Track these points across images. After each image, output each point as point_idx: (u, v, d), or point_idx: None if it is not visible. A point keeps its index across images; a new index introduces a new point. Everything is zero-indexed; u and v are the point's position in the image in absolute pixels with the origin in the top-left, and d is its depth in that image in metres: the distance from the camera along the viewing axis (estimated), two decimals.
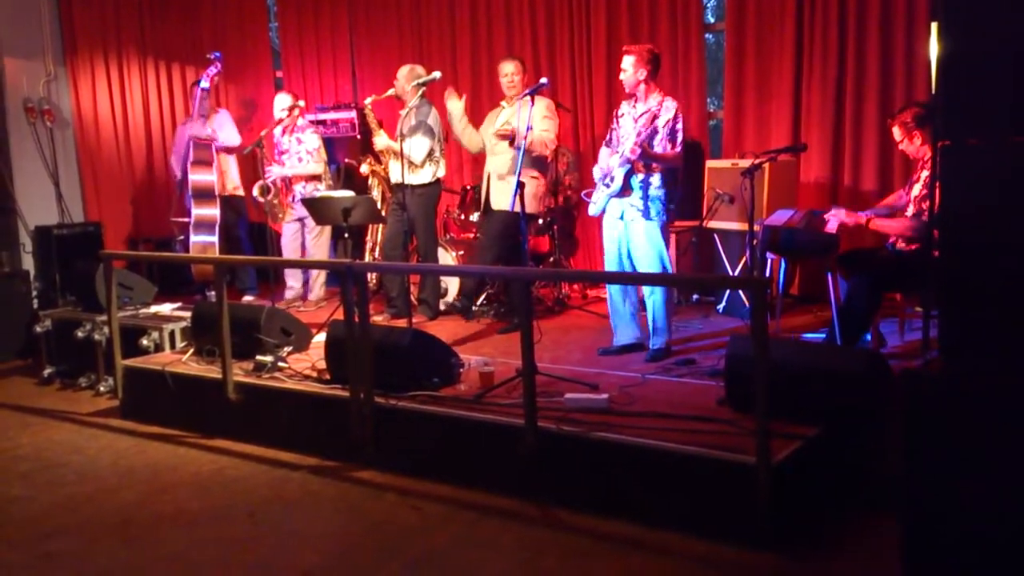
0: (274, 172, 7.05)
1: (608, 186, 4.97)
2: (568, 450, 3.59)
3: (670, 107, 4.86)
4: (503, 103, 6.13)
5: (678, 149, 4.87)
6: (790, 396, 3.39)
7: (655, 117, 4.83)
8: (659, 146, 4.85)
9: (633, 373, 4.48)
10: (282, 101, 7.16)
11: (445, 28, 8.06)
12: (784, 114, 6.44)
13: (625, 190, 4.92)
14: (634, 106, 5.01)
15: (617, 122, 5.11)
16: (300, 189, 7.04)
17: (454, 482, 3.85)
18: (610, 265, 5.18)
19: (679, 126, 4.87)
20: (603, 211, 5.08)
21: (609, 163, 5.04)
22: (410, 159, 6.15)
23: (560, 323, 6.20)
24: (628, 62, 4.90)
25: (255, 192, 7.00)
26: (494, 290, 6.63)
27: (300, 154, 7.10)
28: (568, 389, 4.03)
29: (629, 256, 5.03)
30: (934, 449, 2.63)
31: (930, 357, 3.19)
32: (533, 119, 5.41)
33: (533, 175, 5.82)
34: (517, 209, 5.11)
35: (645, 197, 4.90)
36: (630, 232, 4.97)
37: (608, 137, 5.20)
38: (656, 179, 4.89)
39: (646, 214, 4.90)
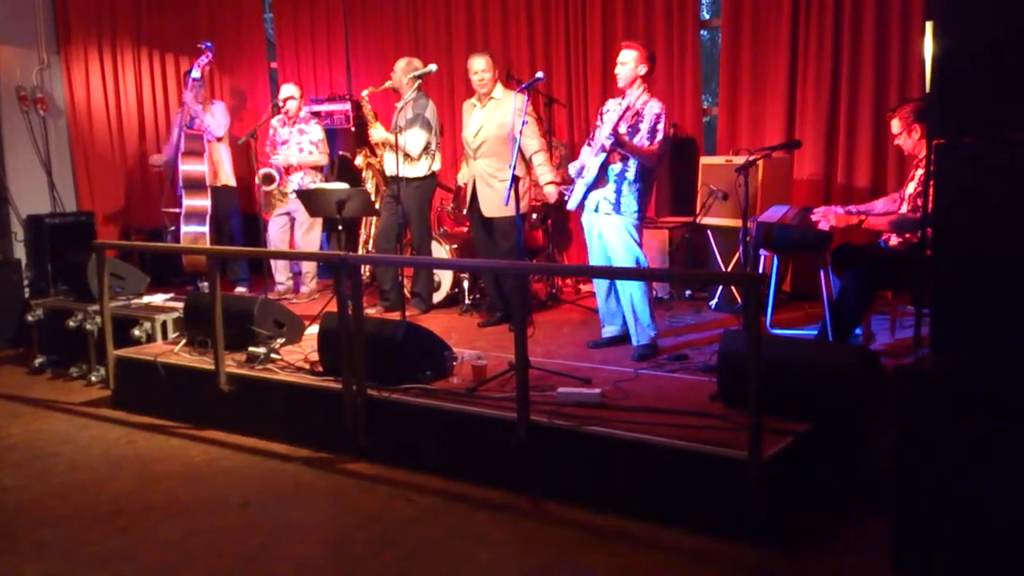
0: (280, 159, 7.02)
1: (584, 177, 4.96)
2: (560, 444, 3.60)
3: (655, 107, 4.85)
4: (473, 102, 5.84)
5: (655, 146, 4.83)
6: (782, 392, 3.41)
7: (637, 113, 4.85)
8: (638, 142, 4.82)
9: (626, 368, 4.49)
10: (287, 91, 7.13)
11: (441, 20, 8.04)
12: (778, 111, 6.45)
13: (600, 180, 4.89)
14: (620, 103, 5.00)
15: (601, 119, 5.08)
16: (298, 180, 7.02)
17: (446, 475, 3.86)
18: (593, 257, 5.18)
19: (660, 126, 4.82)
20: (580, 205, 5.06)
21: (584, 157, 5.05)
22: (407, 152, 6.14)
23: (553, 317, 6.21)
24: (629, 56, 4.86)
25: (258, 180, 6.98)
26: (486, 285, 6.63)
27: (302, 144, 7.09)
28: (561, 383, 4.03)
29: (604, 248, 5.04)
30: (925, 446, 2.65)
31: (921, 354, 3.21)
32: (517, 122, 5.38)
33: (519, 175, 5.63)
34: (513, 203, 5.11)
35: (618, 191, 4.86)
36: (602, 226, 4.97)
37: (591, 135, 5.18)
38: (631, 172, 4.84)
39: (617, 208, 4.87)
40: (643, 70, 4.88)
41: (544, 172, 5.68)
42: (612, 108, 5.04)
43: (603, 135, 4.82)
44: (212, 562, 3.24)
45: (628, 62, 4.88)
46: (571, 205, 5.12)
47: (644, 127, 4.82)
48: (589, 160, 4.94)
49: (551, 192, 5.72)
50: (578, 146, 7.34)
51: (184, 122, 7.18)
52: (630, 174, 4.86)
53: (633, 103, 4.86)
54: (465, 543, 3.29)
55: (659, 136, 4.82)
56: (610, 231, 4.92)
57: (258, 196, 7.20)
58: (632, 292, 4.92)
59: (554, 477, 3.64)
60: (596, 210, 4.97)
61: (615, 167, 4.86)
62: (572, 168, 5.10)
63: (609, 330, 5.24)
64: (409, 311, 6.09)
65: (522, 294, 3.93)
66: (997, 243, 2.55)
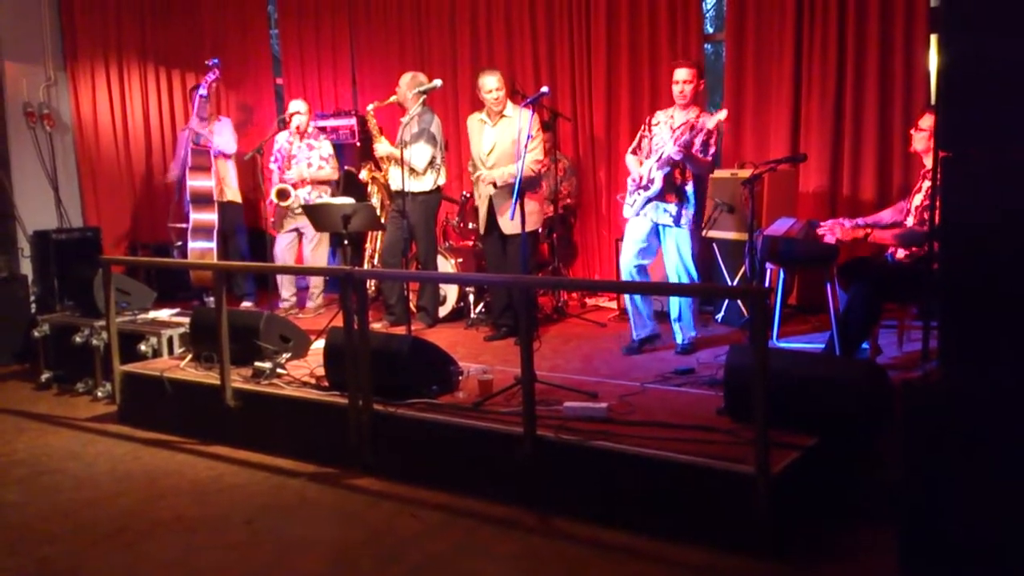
0: (293, 175, 7.03)
1: (648, 188, 5.15)
2: (567, 459, 3.59)
3: (708, 121, 5.06)
4: (482, 118, 5.86)
5: (708, 158, 5.12)
6: (789, 406, 3.39)
7: (693, 127, 5.06)
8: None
9: (632, 382, 4.48)
10: (294, 107, 7.15)
11: (446, 36, 8.07)
12: (783, 124, 6.45)
13: (666, 194, 5.13)
14: (672, 116, 5.22)
15: (650, 130, 5.31)
16: (305, 195, 7.03)
17: (452, 490, 3.84)
18: (625, 258, 5.37)
19: (712, 139, 5.09)
20: (637, 213, 5.29)
21: (641, 170, 5.24)
22: (412, 166, 6.15)
23: (559, 331, 6.21)
24: (688, 74, 5.12)
25: (273, 197, 6.99)
26: (491, 299, 6.63)
27: (311, 159, 7.10)
28: (567, 397, 4.02)
29: (646, 255, 5.30)
30: (932, 459, 2.64)
31: (929, 368, 3.20)
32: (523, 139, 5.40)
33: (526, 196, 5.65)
34: (517, 218, 5.14)
35: (680, 204, 5.14)
36: (662, 238, 5.25)
37: (635, 144, 5.40)
38: (689, 186, 5.14)
39: (677, 221, 5.14)
40: (701, 86, 5.20)
41: (503, 173, 5.65)
42: (663, 120, 5.27)
43: (670, 150, 5.04)
44: None
45: (690, 80, 5.13)
46: (630, 213, 5.35)
47: (698, 139, 5.06)
48: (654, 172, 5.12)
49: (488, 176, 5.76)
50: (583, 159, 7.38)
51: (191, 138, 7.20)
52: (688, 187, 5.15)
53: (692, 120, 5.11)
54: (472, 559, 3.28)
55: (712, 148, 5.12)
56: (668, 243, 5.23)
57: (266, 213, 7.22)
58: (682, 300, 5.34)
59: (561, 492, 3.62)
60: (655, 223, 5.24)
61: (674, 180, 5.14)
62: (631, 184, 5.32)
63: (640, 332, 5.44)
64: (415, 325, 6.09)
65: (528, 308, 3.93)
66: (1004, 256, 2.54)
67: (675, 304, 5.37)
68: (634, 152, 5.39)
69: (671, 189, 5.12)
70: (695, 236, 5.22)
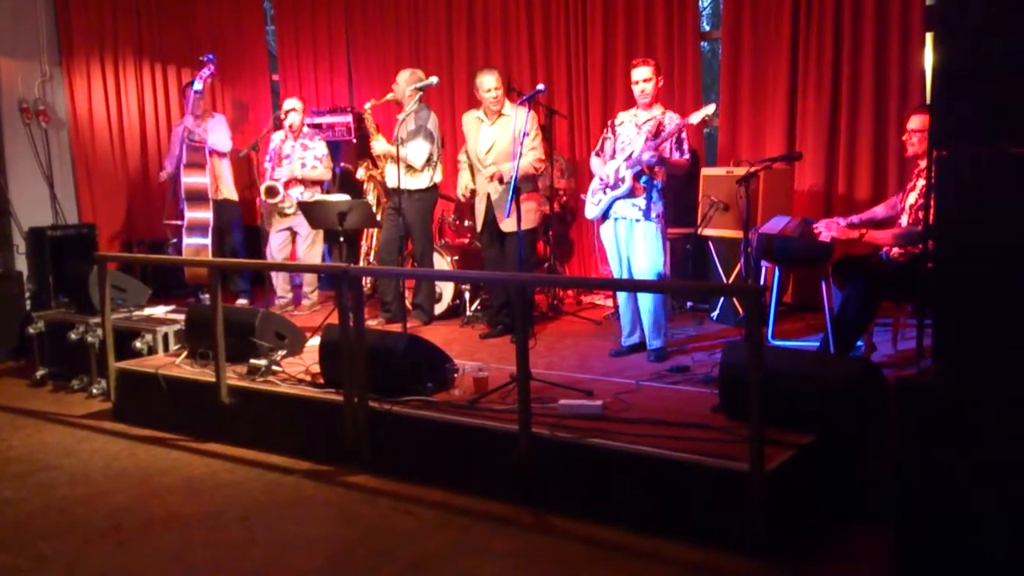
0: (283, 174, 7.02)
1: (617, 187, 5.07)
2: (562, 456, 3.59)
3: (674, 118, 5.02)
4: (482, 116, 5.86)
5: (687, 156, 5.06)
6: (784, 404, 3.40)
7: (660, 124, 4.99)
8: (667, 152, 5.01)
9: (628, 380, 4.48)
10: (289, 105, 7.14)
11: (442, 33, 8.07)
12: (779, 122, 6.46)
13: (634, 190, 5.03)
14: (635, 115, 5.14)
15: (613, 131, 5.19)
16: (298, 195, 7.01)
17: (448, 487, 3.85)
18: (613, 266, 5.29)
19: (684, 135, 5.02)
20: (602, 215, 5.19)
21: (606, 170, 5.14)
22: (409, 163, 6.14)
23: (554, 329, 6.21)
24: (648, 71, 5.04)
25: (263, 194, 6.99)
26: (488, 296, 6.63)
27: (305, 159, 7.09)
28: (562, 395, 4.03)
29: (628, 257, 5.16)
30: (927, 457, 2.64)
31: (924, 366, 3.20)
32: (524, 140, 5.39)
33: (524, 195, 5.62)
34: (514, 215, 5.14)
35: (648, 198, 5.04)
36: (631, 232, 5.10)
37: (599, 147, 5.29)
38: (659, 184, 5.06)
39: (647, 214, 5.05)
40: (661, 83, 5.12)
41: (510, 168, 5.42)
42: (627, 120, 5.17)
43: (637, 146, 4.98)
44: None
45: (650, 77, 5.05)
46: (594, 213, 5.24)
47: (672, 138, 4.99)
48: (622, 171, 5.04)
49: (505, 168, 5.59)
50: (580, 158, 7.37)
51: (185, 135, 7.19)
52: (658, 184, 5.07)
53: (658, 116, 5.06)
54: (467, 556, 3.28)
55: (686, 145, 5.04)
56: (638, 236, 5.08)
57: (260, 208, 7.21)
58: (650, 296, 5.15)
59: (556, 490, 3.62)
60: (624, 218, 5.12)
61: (643, 177, 5.05)
62: (596, 182, 5.23)
63: (631, 339, 5.34)
64: (410, 323, 6.09)
65: (523, 306, 3.93)
66: (998, 254, 2.55)
67: (645, 304, 5.14)
68: (597, 155, 5.28)
69: (637, 181, 5.05)
70: (665, 231, 5.14)
